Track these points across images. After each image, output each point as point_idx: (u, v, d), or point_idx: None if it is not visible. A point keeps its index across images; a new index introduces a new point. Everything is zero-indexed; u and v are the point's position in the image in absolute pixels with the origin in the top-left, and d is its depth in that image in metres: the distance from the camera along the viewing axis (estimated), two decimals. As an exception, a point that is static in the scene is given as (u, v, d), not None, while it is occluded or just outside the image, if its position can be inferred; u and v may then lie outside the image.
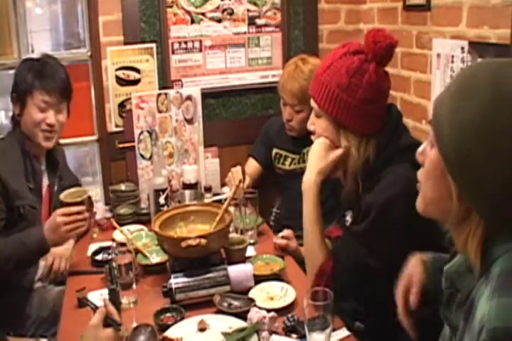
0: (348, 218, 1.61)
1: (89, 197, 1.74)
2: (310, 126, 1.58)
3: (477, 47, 2.03)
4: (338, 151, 1.51)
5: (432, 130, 0.90)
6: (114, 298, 1.48)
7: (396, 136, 1.47)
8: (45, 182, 2.02)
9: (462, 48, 2.10)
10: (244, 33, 2.70)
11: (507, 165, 0.78)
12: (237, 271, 1.63)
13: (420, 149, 0.96)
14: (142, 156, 2.48)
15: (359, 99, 1.43)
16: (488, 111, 0.80)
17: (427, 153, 0.92)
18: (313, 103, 1.54)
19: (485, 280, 0.82)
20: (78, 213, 1.67)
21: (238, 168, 2.38)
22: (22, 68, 1.93)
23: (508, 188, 0.79)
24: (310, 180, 1.54)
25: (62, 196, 1.71)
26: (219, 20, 2.64)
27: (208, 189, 2.29)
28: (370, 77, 1.43)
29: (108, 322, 1.24)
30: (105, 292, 1.54)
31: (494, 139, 0.79)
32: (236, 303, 1.55)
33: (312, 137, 1.59)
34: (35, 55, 2.27)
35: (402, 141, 1.44)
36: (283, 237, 1.92)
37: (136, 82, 2.56)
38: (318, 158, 1.53)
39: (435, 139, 0.87)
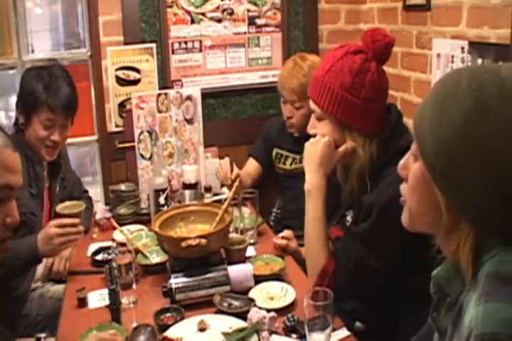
0: (349, 218, 1.61)
1: (83, 211, 1.73)
2: (311, 130, 1.58)
3: (477, 47, 2.03)
4: (341, 151, 1.51)
5: (415, 143, 0.88)
6: (114, 298, 1.48)
7: (397, 136, 1.47)
8: (45, 185, 2.01)
9: (462, 48, 2.10)
10: (244, 33, 2.70)
11: (493, 174, 0.78)
12: (237, 271, 1.63)
13: (402, 163, 0.94)
14: (142, 156, 2.48)
15: (363, 99, 1.44)
16: (471, 120, 0.79)
17: (410, 166, 0.91)
18: (313, 106, 1.53)
19: (472, 285, 0.82)
20: (72, 225, 1.65)
21: (226, 160, 2.35)
22: (30, 77, 1.89)
23: (497, 197, 0.78)
24: (318, 181, 1.54)
25: (58, 208, 1.70)
26: (219, 20, 2.64)
27: (208, 189, 2.29)
28: (373, 76, 1.44)
29: None
30: (105, 292, 1.54)
31: (480, 148, 0.78)
32: (236, 303, 1.55)
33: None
34: (39, 56, 2.25)
35: (403, 140, 1.44)
36: (283, 237, 1.92)
37: (136, 82, 2.57)
38: (324, 158, 1.53)
39: (419, 152, 0.86)
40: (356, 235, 1.47)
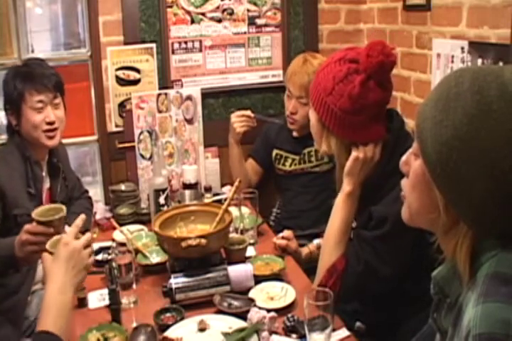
0: None
1: (63, 218, 1.51)
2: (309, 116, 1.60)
3: (477, 47, 2.03)
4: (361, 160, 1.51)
5: (416, 143, 0.89)
6: (114, 298, 1.48)
7: (400, 145, 1.45)
8: (46, 186, 2.01)
9: (462, 48, 2.10)
10: (244, 33, 2.70)
11: (494, 175, 0.78)
12: (237, 271, 1.63)
13: (404, 158, 0.95)
14: (142, 156, 2.48)
15: (339, 108, 1.43)
16: (473, 122, 0.79)
17: (411, 163, 0.92)
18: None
19: (471, 285, 0.82)
20: (45, 234, 1.47)
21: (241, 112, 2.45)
22: (8, 77, 1.89)
23: (497, 198, 0.79)
24: (357, 186, 1.53)
25: (35, 213, 1.50)
26: (219, 20, 2.64)
27: (208, 189, 2.29)
28: (353, 89, 1.41)
29: None
30: (105, 292, 1.54)
31: (481, 150, 0.78)
32: (236, 303, 1.55)
33: (311, 127, 1.60)
34: (39, 56, 2.23)
35: (406, 147, 1.43)
36: (283, 238, 1.92)
37: (136, 82, 2.56)
38: (355, 169, 1.52)
39: (420, 152, 0.86)
40: (368, 241, 1.47)
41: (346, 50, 1.50)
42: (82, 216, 1.37)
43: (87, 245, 1.31)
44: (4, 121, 2.49)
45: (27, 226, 1.52)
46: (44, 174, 2.00)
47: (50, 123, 1.89)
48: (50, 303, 1.20)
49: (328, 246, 1.57)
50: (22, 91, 1.85)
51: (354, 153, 1.49)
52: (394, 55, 1.43)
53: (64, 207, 1.54)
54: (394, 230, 1.39)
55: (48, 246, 1.30)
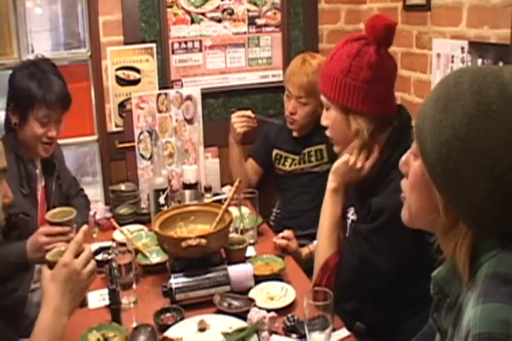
0: (350, 215, 1.62)
1: (73, 219, 1.65)
2: (323, 122, 1.60)
3: (477, 47, 2.03)
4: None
5: (416, 143, 0.89)
6: (114, 298, 1.48)
7: (403, 141, 1.46)
8: (41, 184, 2.00)
9: (462, 48, 2.10)
10: (244, 33, 2.70)
11: (494, 175, 0.78)
12: (237, 271, 1.63)
13: (403, 159, 0.95)
14: (142, 156, 2.48)
15: (362, 81, 1.45)
16: (472, 122, 0.79)
17: (411, 163, 0.92)
18: (322, 97, 1.56)
19: (471, 285, 0.82)
20: (62, 234, 1.61)
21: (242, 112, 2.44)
22: (21, 76, 1.87)
23: (497, 198, 0.79)
24: (340, 183, 1.56)
25: (48, 215, 1.64)
26: (219, 20, 2.64)
27: (208, 189, 2.29)
28: (371, 58, 1.45)
29: None
30: (105, 292, 1.55)
31: (480, 150, 0.78)
32: (236, 303, 1.55)
33: (326, 132, 1.61)
34: (31, 57, 2.22)
35: (409, 143, 1.44)
36: (283, 237, 1.92)
37: (136, 82, 2.56)
38: (344, 170, 1.54)
39: (419, 152, 0.86)
40: (364, 235, 1.47)
41: (347, 36, 1.57)
42: (84, 228, 1.30)
43: (88, 262, 1.23)
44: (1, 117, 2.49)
45: (43, 229, 1.62)
46: (38, 172, 2.01)
47: (51, 138, 1.91)
48: (44, 326, 1.15)
49: (321, 243, 1.58)
50: (32, 101, 1.84)
51: (346, 157, 1.52)
52: (392, 19, 1.49)
53: (74, 209, 1.67)
54: (391, 221, 1.39)
55: (48, 256, 1.24)
